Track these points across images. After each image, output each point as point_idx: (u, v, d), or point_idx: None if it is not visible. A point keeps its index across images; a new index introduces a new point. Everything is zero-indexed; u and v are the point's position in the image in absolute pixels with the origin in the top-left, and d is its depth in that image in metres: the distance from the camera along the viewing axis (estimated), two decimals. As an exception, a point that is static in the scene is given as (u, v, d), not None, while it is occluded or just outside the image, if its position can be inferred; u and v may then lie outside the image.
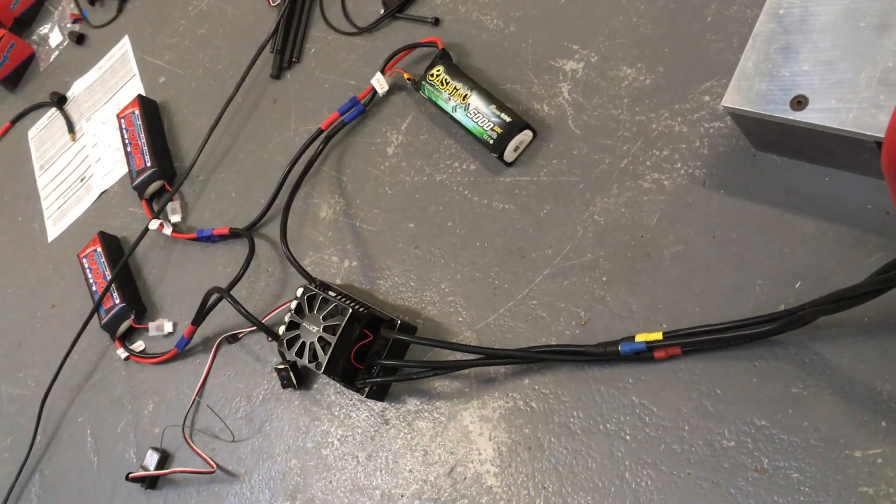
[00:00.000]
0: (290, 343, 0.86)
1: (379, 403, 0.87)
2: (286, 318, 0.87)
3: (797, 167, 0.71)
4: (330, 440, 0.89)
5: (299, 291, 0.88)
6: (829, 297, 0.59)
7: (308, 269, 0.97)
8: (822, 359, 0.66)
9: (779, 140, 0.69)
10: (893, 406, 0.62)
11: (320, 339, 0.83)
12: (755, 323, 0.66)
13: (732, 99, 0.66)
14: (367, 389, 0.85)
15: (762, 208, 0.72)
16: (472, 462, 0.79)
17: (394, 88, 1.01)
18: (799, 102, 0.63)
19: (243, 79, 1.14)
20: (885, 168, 0.41)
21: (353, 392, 0.87)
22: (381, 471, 0.84)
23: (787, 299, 0.68)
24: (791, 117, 0.63)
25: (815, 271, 0.68)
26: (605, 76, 0.85)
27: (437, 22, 1.00)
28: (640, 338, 0.72)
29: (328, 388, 0.91)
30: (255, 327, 0.95)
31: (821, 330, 0.66)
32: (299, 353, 0.84)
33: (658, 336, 0.72)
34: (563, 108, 0.87)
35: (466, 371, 0.82)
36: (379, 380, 0.84)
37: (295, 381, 0.92)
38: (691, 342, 0.70)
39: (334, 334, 0.82)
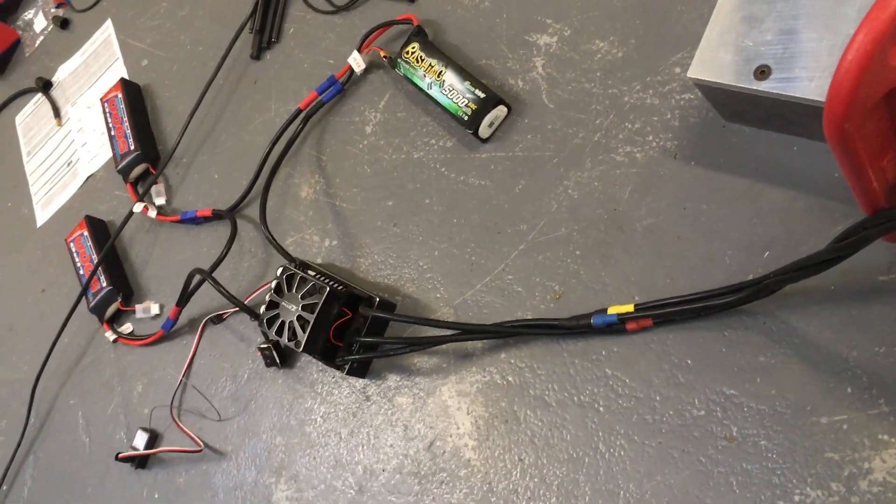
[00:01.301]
0: (270, 322, 0.86)
1: (360, 380, 0.88)
2: (266, 298, 0.88)
3: (766, 137, 0.72)
4: (313, 417, 0.90)
5: (279, 271, 0.89)
6: (792, 265, 0.60)
7: (289, 249, 0.98)
8: (789, 327, 0.66)
9: (746, 111, 0.69)
10: (859, 372, 0.62)
11: (299, 317, 0.84)
12: (723, 293, 0.67)
13: (697, 70, 0.66)
14: (347, 367, 0.86)
15: (732, 179, 0.72)
16: (450, 436, 0.80)
17: (371, 67, 1.01)
18: (762, 72, 0.63)
19: (223, 60, 1.14)
20: (826, 135, 0.42)
21: (334, 370, 0.88)
22: (362, 446, 0.85)
23: (755, 269, 0.69)
24: (754, 87, 0.63)
25: (783, 240, 0.68)
26: (578, 50, 0.85)
27: (412, -1, 1.00)
28: (612, 310, 0.73)
29: (311, 367, 0.92)
30: (237, 308, 0.96)
31: (788, 298, 0.67)
32: (279, 332, 0.85)
33: (630, 308, 0.72)
34: (538, 83, 0.87)
35: (444, 347, 0.83)
36: (358, 357, 0.85)
37: (278, 360, 0.93)
38: (662, 313, 0.71)
39: (313, 313, 0.83)
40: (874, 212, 0.50)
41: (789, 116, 0.66)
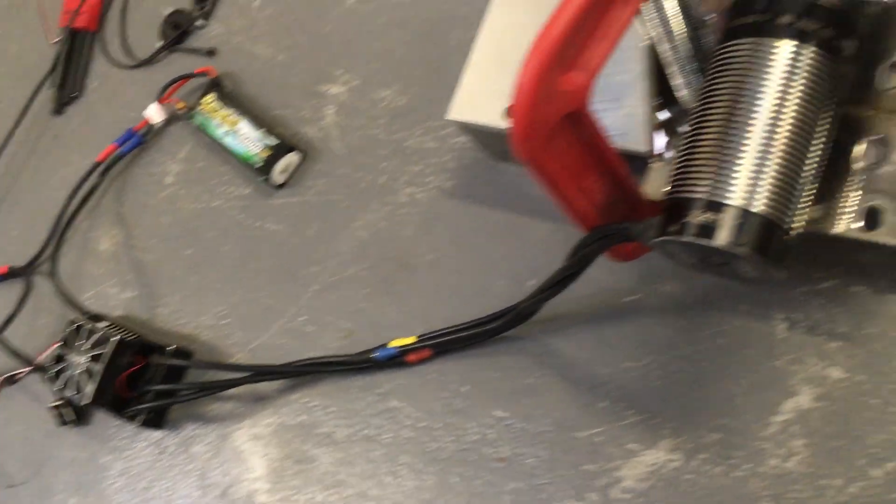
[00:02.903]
0: (57, 377, 0.84)
1: (157, 432, 0.86)
2: (54, 353, 0.86)
3: (529, 175, 0.77)
4: (109, 474, 0.87)
5: (67, 325, 0.86)
6: (536, 290, 0.64)
7: (88, 303, 0.96)
8: (552, 350, 0.71)
9: (507, 150, 0.74)
10: (610, 388, 0.67)
11: (87, 370, 0.82)
12: (488, 321, 0.71)
13: (456, 112, 0.71)
14: (142, 418, 0.84)
15: (502, 214, 0.77)
16: (244, 481, 0.80)
17: (172, 118, 1.01)
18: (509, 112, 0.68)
19: (22, 116, 1.11)
20: (516, 156, 0.46)
21: (129, 423, 0.86)
22: (158, 500, 0.83)
23: (521, 297, 0.73)
24: (504, 126, 0.68)
25: (545, 269, 0.72)
26: (365, 98, 0.89)
27: (212, 53, 1.01)
28: (393, 343, 0.75)
29: (107, 422, 0.89)
30: (31, 368, 0.92)
31: (552, 323, 0.71)
32: (66, 387, 0.83)
33: (411, 340, 0.75)
34: (329, 131, 0.90)
35: (239, 391, 0.83)
36: (151, 405, 0.84)
37: (73, 418, 0.90)
38: (439, 343, 0.74)
39: (101, 363, 0.81)
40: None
41: (540, 153, 0.71)
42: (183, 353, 0.86)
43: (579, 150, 0.48)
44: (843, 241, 0.55)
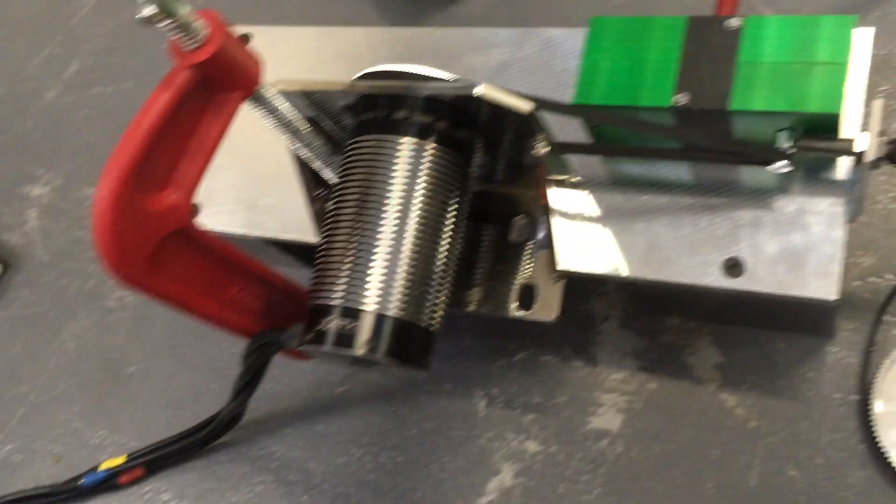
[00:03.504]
0: None
1: None
2: None
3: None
4: None
5: None
6: (232, 395, 0.60)
7: None
8: (268, 452, 0.67)
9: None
10: (325, 487, 0.64)
11: None
12: (196, 430, 0.66)
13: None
14: None
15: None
16: None
17: None
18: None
19: None
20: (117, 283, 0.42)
21: None
22: None
23: (235, 399, 0.69)
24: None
25: (257, 367, 0.70)
26: (69, 198, 0.84)
27: None
28: (103, 466, 0.69)
29: None
30: None
31: (265, 423, 0.68)
32: None
33: (121, 460, 0.69)
34: (32, 236, 0.84)
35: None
36: None
37: None
38: (151, 460, 0.68)
39: None
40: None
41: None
42: None
43: (204, 266, 0.46)
44: (521, 316, 0.56)
